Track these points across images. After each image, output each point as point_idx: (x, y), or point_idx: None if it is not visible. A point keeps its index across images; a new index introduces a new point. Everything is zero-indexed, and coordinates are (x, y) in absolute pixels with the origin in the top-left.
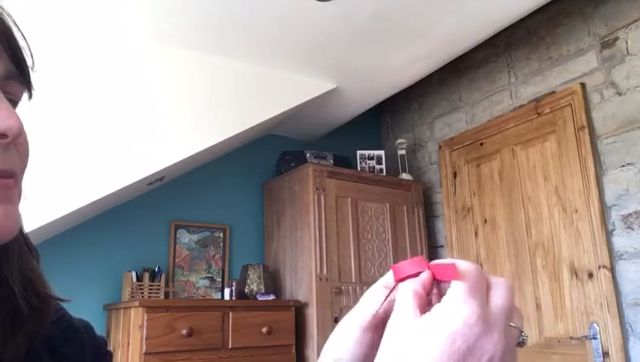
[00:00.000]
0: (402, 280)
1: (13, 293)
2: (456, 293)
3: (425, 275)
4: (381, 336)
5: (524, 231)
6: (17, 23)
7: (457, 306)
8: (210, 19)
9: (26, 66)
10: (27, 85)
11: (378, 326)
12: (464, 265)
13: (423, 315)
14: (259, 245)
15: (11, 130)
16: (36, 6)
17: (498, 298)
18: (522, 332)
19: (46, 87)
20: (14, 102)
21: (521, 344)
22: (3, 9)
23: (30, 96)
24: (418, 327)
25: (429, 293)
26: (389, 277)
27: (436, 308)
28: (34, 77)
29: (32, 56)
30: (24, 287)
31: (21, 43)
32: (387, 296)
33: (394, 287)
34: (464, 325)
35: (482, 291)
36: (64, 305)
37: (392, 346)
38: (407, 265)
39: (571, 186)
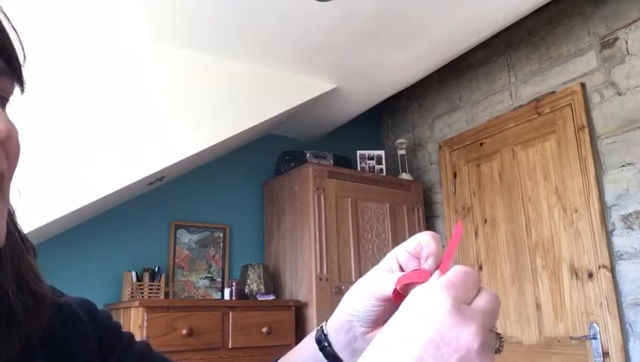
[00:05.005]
0: (404, 286)
1: (7, 295)
2: (434, 286)
3: (434, 278)
4: (390, 306)
5: (524, 231)
6: (7, 15)
7: (429, 297)
8: (211, 20)
9: (17, 61)
10: (18, 80)
11: (390, 299)
12: (456, 266)
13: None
14: (259, 245)
15: None
16: (36, 5)
17: (482, 300)
18: (501, 338)
19: (46, 86)
20: (4, 99)
21: (498, 350)
22: None
23: (22, 91)
24: (396, 319)
25: None
26: (404, 255)
27: (415, 301)
28: (27, 71)
29: (23, 49)
30: (19, 288)
31: (11, 36)
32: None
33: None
34: (434, 314)
35: (465, 288)
36: None
37: (377, 340)
38: (411, 275)
39: (571, 186)
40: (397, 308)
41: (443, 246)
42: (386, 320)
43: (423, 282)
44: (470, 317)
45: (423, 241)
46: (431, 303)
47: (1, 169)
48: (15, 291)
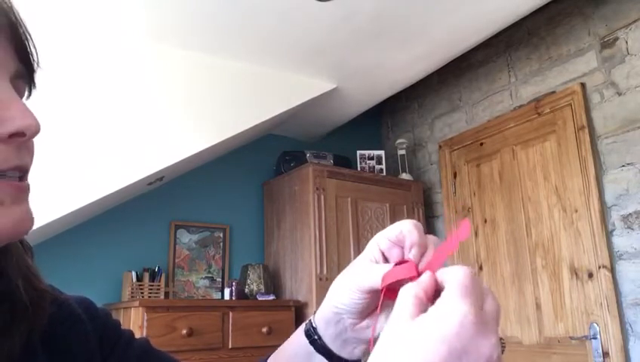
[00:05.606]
0: (392, 284)
1: (17, 288)
2: (450, 292)
3: (426, 278)
4: (377, 297)
5: (524, 231)
6: (24, 21)
7: (451, 305)
8: (211, 20)
9: (32, 66)
10: (30, 85)
11: (377, 291)
12: (458, 267)
13: (418, 317)
14: (259, 245)
15: (29, 128)
16: (36, 4)
17: (490, 305)
18: (503, 342)
19: (45, 86)
20: None
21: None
22: (12, 7)
23: (29, 95)
24: (413, 330)
25: (430, 298)
26: (385, 243)
27: (431, 309)
28: (36, 75)
29: (37, 54)
30: (25, 282)
31: (28, 41)
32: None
33: (381, 290)
34: (459, 325)
35: (476, 292)
36: None
37: (386, 350)
38: (397, 271)
39: (571, 186)
40: (384, 300)
41: (427, 234)
42: (373, 311)
43: (410, 279)
44: (489, 326)
45: (405, 230)
46: (452, 311)
47: (26, 162)
48: (23, 285)
